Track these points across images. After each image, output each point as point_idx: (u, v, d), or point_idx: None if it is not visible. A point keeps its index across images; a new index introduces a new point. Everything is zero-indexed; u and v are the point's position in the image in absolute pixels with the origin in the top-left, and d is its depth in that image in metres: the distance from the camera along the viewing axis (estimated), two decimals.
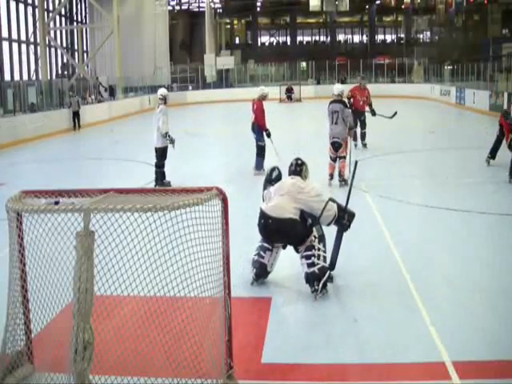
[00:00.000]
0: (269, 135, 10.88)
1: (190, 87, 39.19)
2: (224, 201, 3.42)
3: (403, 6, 54.85)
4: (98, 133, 21.60)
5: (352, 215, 5.24)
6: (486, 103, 22.80)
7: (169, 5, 47.23)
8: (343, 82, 39.69)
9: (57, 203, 3.14)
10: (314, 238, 5.06)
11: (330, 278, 5.05)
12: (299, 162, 5.52)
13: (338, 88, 10.01)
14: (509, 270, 5.60)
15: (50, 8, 35.12)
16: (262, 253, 5.25)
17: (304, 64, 44.96)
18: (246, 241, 5.99)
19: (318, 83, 40.39)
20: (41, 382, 3.43)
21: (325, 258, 5.06)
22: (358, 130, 13.44)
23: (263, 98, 11.02)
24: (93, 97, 28.01)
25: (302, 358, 3.97)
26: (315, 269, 4.94)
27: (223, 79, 41.21)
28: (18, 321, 3.53)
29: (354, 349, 4.08)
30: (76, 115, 21.83)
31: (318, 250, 5.02)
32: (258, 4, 56.21)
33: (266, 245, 5.25)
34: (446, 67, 37.03)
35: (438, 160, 12.59)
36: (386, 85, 38.21)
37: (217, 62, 41.51)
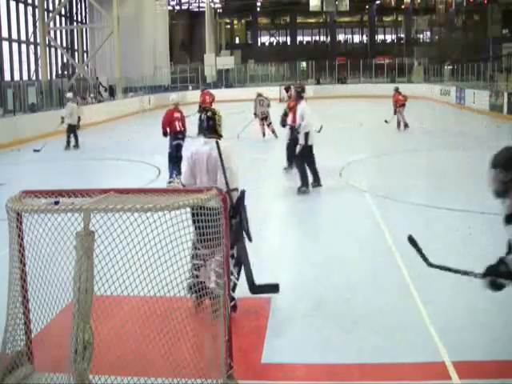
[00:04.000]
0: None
1: (190, 87, 39.16)
2: (224, 201, 3.42)
3: (403, 6, 54.85)
4: (97, 133, 21.59)
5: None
6: (486, 103, 22.79)
7: (169, 5, 47.29)
8: (343, 82, 39.77)
9: (57, 203, 3.13)
10: (231, 259, 4.28)
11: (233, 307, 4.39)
12: (209, 114, 4.78)
13: None
14: None
15: (50, 8, 35.11)
16: (195, 272, 4.31)
17: (304, 64, 44.95)
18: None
19: (318, 83, 40.37)
20: (41, 382, 3.43)
21: (235, 285, 4.52)
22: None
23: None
24: (92, 95, 28.03)
25: (301, 358, 3.97)
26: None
27: (223, 79, 41.22)
28: (18, 321, 3.52)
29: (354, 349, 4.07)
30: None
31: (231, 274, 4.28)
32: (258, 4, 56.19)
33: (196, 261, 4.30)
34: (446, 67, 37.06)
35: (438, 160, 12.59)
36: (386, 85, 38.22)
37: (217, 62, 41.56)
